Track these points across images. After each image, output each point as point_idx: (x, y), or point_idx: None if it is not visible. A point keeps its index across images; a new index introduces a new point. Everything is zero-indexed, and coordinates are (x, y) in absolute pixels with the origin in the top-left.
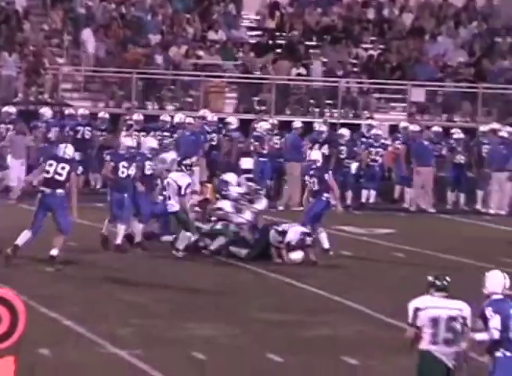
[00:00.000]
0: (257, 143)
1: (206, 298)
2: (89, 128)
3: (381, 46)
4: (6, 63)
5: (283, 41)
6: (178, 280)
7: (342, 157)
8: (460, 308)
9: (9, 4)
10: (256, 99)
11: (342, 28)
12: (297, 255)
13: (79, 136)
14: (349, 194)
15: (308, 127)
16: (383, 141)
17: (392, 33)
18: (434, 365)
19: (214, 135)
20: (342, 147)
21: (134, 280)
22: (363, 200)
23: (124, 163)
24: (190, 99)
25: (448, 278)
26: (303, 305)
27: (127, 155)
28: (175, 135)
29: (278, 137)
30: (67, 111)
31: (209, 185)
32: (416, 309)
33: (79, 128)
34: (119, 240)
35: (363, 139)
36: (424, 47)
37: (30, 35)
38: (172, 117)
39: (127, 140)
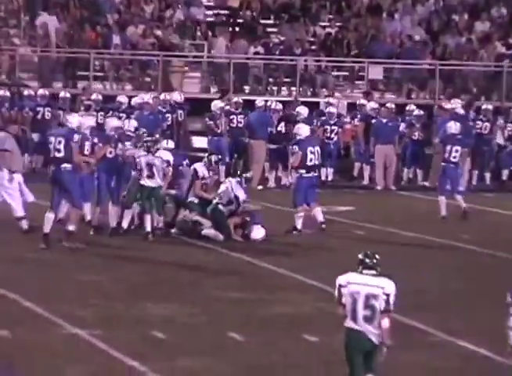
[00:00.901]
0: (211, 122)
1: (165, 277)
2: (49, 109)
3: (339, 24)
4: None
5: (241, 20)
6: (138, 260)
7: None
8: (383, 286)
9: None
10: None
11: (300, 6)
12: (258, 234)
13: (39, 117)
14: None
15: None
16: (338, 119)
17: (350, 11)
18: (357, 342)
19: (168, 115)
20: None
21: (93, 260)
22: (322, 178)
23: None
24: (148, 79)
25: (377, 256)
26: (262, 283)
27: (115, 136)
28: (132, 116)
29: (241, 116)
30: (26, 92)
31: None
32: (339, 286)
33: (39, 108)
34: (125, 224)
35: (322, 118)
36: (382, 24)
37: None
38: (130, 97)
39: (112, 120)
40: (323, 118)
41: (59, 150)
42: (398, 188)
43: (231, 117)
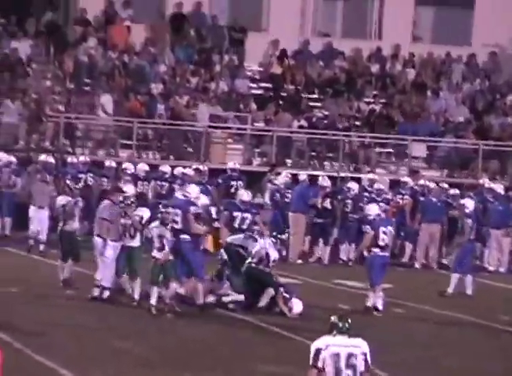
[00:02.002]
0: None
1: (203, 347)
2: (91, 175)
3: (383, 100)
4: (8, 110)
5: (284, 94)
6: (174, 329)
7: (347, 210)
8: (359, 345)
9: (13, 51)
10: (257, 150)
11: (344, 81)
12: (298, 307)
13: (81, 184)
14: (352, 248)
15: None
16: (385, 195)
17: (395, 88)
18: None
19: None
20: (348, 201)
21: (129, 327)
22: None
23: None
24: (191, 150)
25: (349, 320)
26: (300, 357)
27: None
28: (175, 186)
29: (289, 190)
30: (69, 159)
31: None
32: (318, 350)
33: (81, 175)
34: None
35: (365, 194)
36: (426, 102)
37: (32, 83)
38: (172, 167)
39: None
40: (372, 195)
41: (176, 222)
42: (439, 266)
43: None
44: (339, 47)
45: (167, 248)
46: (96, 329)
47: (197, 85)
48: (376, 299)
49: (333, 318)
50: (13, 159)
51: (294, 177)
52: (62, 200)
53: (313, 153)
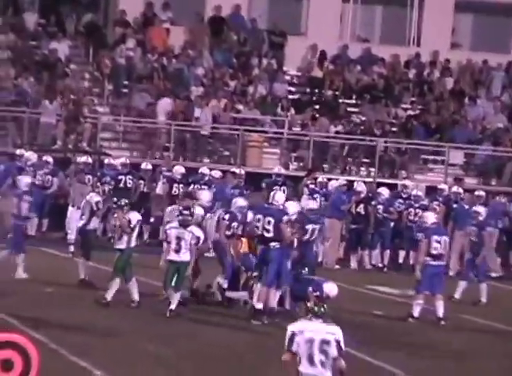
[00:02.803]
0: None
1: (229, 353)
2: (131, 177)
3: (421, 107)
4: (46, 111)
5: (322, 98)
6: (202, 334)
7: (379, 215)
8: (333, 332)
9: (52, 52)
10: (294, 155)
11: (382, 87)
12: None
13: (121, 185)
14: (387, 254)
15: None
16: (422, 202)
17: (432, 94)
18: None
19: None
20: (379, 206)
21: (160, 330)
22: (400, 260)
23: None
24: (227, 153)
25: (325, 306)
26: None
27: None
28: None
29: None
30: (106, 160)
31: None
32: (293, 334)
33: (120, 177)
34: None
35: (400, 200)
36: (463, 109)
37: (71, 83)
38: (211, 170)
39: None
40: (409, 201)
41: (267, 230)
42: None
43: (315, 195)
44: (377, 53)
45: (184, 250)
46: (128, 331)
47: (235, 89)
48: (438, 308)
49: (309, 303)
50: (50, 159)
51: (328, 182)
52: (92, 197)
53: (349, 159)
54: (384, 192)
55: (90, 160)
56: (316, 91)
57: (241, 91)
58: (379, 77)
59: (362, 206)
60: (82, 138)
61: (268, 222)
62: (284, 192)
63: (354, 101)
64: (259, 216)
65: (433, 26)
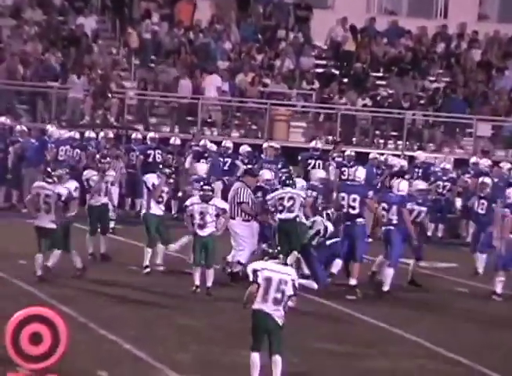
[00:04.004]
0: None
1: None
2: (159, 151)
3: (448, 79)
4: (74, 86)
5: (351, 72)
6: (234, 307)
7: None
8: (290, 273)
9: (79, 27)
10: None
11: (410, 60)
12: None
13: (150, 160)
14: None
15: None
16: (450, 175)
17: (460, 66)
18: (263, 322)
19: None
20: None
21: (191, 304)
22: (429, 233)
23: None
24: (255, 127)
25: (279, 248)
26: (362, 336)
27: None
28: (238, 162)
29: (353, 169)
30: (133, 135)
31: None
32: (255, 270)
33: (150, 151)
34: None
35: (430, 172)
36: (491, 81)
37: (98, 58)
38: (236, 144)
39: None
40: (438, 174)
41: (353, 207)
42: None
43: (342, 169)
44: (405, 25)
45: (209, 225)
46: (158, 305)
47: (262, 63)
48: (497, 284)
49: (264, 245)
50: (77, 135)
51: (359, 156)
52: (87, 174)
53: (377, 132)
54: (404, 164)
55: (92, 134)
56: (345, 64)
57: (268, 65)
58: (406, 49)
59: (393, 179)
60: (110, 113)
61: (354, 200)
62: (319, 166)
63: (381, 74)
64: (343, 194)
65: None
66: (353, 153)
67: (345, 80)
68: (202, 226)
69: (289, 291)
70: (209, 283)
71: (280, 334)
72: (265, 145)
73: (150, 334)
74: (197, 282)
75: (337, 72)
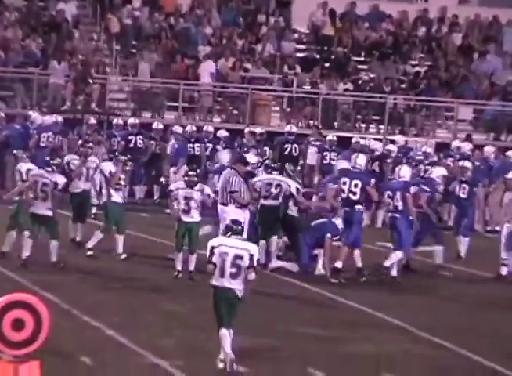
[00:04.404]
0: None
1: (246, 310)
2: (141, 137)
3: (429, 63)
4: (55, 72)
5: (332, 56)
6: None
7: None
8: (248, 248)
9: (59, 12)
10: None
11: (391, 44)
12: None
13: (131, 145)
14: None
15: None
16: (431, 159)
17: (441, 50)
18: (223, 295)
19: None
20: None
21: (175, 289)
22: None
23: None
24: (236, 112)
25: (242, 224)
26: (345, 320)
27: None
28: (218, 147)
29: (335, 153)
30: (115, 121)
31: None
32: (212, 248)
33: (130, 137)
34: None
35: (412, 156)
36: (473, 65)
37: (79, 44)
38: (216, 128)
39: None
40: (419, 158)
41: (354, 193)
42: (486, 231)
43: (324, 153)
44: (385, 9)
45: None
46: (142, 291)
47: (243, 48)
48: None
49: (227, 222)
50: (60, 119)
51: (341, 140)
52: (68, 158)
53: (359, 117)
54: (393, 149)
55: (59, 118)
56: (325, 48)
57: (248, 49)
58: (387, 34)
59: (376, 164)
60: (91, 98)
61: (355, 185)
62: (296, 151)
63: (363, 58)
64: (345, 179)
65: None
66: (335, 138)
67: (327, 64)
68: (186, 212)
69: (245, 264)
70: (191, 268)
71: (238, 307)
72: (246, 130)
73: (134, 320)
74: (179, 267)
75: (318, 57)
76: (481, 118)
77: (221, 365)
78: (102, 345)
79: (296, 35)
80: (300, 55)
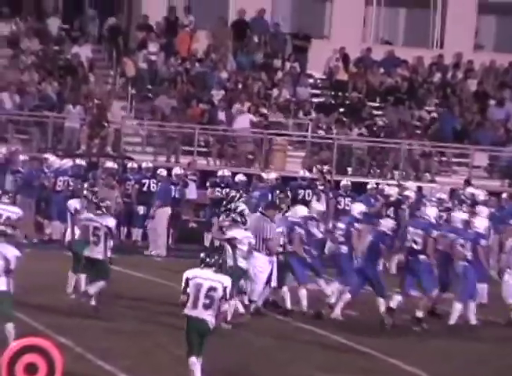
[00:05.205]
0: None
1: (260, 354)
2: (154, 180)
3: (444, 109)
4: (70, 115)
5: (347, 101)
6: (231, 333)
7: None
8: (222, 281)
9: (74, 56)
10: (316, 158)
11: (406, 90)
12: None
13: (145, 189)
14: None
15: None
16: (446, 205)
17: (456, 97)
18: (195, 325)
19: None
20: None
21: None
22: None
23: None
24: (251, 157)
25: (216, 256)
26: (358, 365)
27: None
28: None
29: (349, 199)
30: (129, 165)
31: None
32: (187, 279)
33: (144, 181)
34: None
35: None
36: (488, 111)
37: (94, 88)
38: (234, 173)
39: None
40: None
41: (416, 242)
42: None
43: (339, 199)
44: (401, 55)
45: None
46: (154, 335)
47: (259, 92)
48: None
49: (202, 254)
50: (83, 162)
51: (356, 185)
52: (75, 203)
53: (373, 162)
54: (411, 195)
55: (115, 164)
56: (340, 94)
57: (264, 94)
58: (402, 79)
59: (392, 209)
60: (106, 142)
61: (417, 234)
62: (309, 195)
63: (377, 104)
64: (410, 228)
65: (456, 28)
66: (349, 183)
67: (342, 110)
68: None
69: (218, 295)
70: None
71: (207, 338)
72: (263, 175)
73: (146, 363)
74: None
75: (334, 102)
76: (496, 165)
77: None
78: None
79: (311, 80)
80: (315, 100)
